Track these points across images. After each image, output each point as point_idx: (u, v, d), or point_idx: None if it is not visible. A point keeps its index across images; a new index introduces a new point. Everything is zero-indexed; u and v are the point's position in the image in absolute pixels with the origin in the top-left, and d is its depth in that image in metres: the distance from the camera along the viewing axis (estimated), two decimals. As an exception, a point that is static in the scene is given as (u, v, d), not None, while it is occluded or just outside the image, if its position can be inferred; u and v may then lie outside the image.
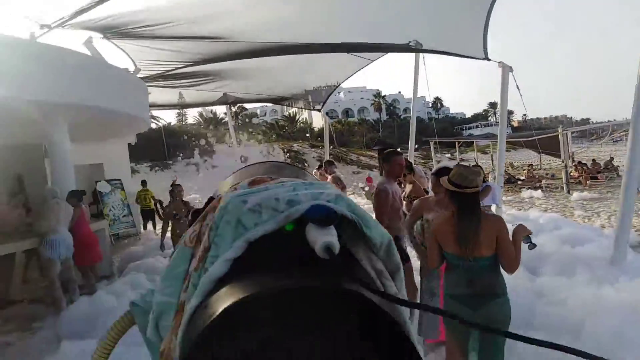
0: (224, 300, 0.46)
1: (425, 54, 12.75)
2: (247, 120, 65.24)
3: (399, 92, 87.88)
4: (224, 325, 0.43)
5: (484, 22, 7.15)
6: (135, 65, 8.74)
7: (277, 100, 15.63)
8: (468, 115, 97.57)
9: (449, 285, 2.72)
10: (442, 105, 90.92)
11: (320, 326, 0.44)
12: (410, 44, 9.97)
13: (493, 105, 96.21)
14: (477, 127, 75.51)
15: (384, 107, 75.47)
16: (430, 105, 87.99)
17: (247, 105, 60.55)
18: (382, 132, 62.39)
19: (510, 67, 8.31)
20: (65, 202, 6.48)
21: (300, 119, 75.56)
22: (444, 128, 62.64)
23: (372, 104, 73.75)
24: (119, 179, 12.26)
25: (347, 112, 77.95)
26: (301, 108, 16.68)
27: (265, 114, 79.17)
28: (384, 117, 75.17)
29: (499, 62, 8.38)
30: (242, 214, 0.60)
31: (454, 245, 2.62)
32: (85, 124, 7.61)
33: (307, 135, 47.55)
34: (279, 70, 12.40)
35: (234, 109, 62.18)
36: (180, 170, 24.66)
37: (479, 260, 2.57)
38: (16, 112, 6.36)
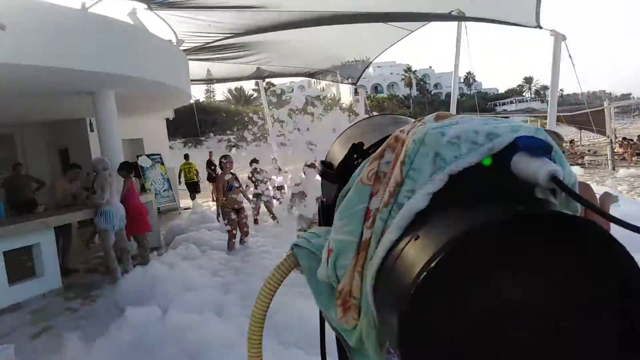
0: (441, 232, 0.44)
1: (467, 25, 12.34)
2: (275, 96, 65.07)
3: (430, 67, 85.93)
4: (450, 258, 0.40)
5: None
6: (176, 36, 8.69)
7: (312, 74, 15.42)
8: (501, 90, 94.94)
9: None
10: (474, 80, 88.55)
11: (555, 259, 0.41)
12: (452, 12, 9.60)
13: (528, 80, 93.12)
14: (511, 102, 73.35)
15: (414, 82, 74.03)
16: (462, 80, 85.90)
17: (275, 82, 60.51)
18: (413, 108, 61.39)
19: (564, 36, 7.86)
20: (116, 173, 6.56)
21: (329, 95, 75.05)
22: (477, 104, 61.07)
23: (402, 79, 72.41)
24: (159, 154, 12.43)
25: (376, 88, 76.86)
26: (336, 81, 16.40)
27: (293, 90, 78.89)
28: (414, 92, 73.84)
29: (550, 30, 7.94)
30: (440, 146, 0.56)
31: None
32: (131, 97, 7.66)
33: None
34: (314, 42, 12.18)
35: (263, 85, 62.30)
36: (212, 146, 24.87)
37: None
38: (65, 84, 6.44)
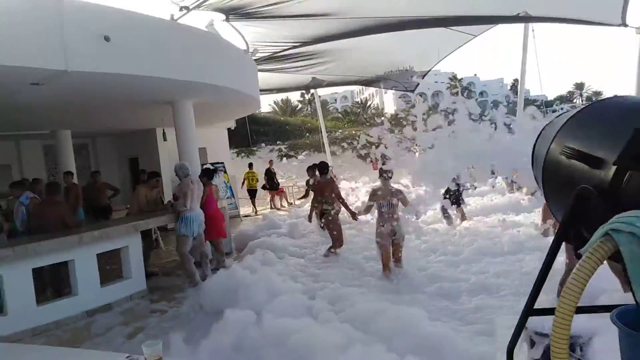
0: None
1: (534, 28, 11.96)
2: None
3: (475, 75, 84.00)
4: None
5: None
6: (247, 46, 8.90)
7: (368, 82, 15.38)
8: (550, 97, 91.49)
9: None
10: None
11: None
12: (519, 14, 9.32)
13: (579, 85, 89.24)
14: (561, 109, 70.49)
15: (459, 90, 72.56)
16: (510, 87, 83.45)
17: (320, 92, 61.09)
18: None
19: (652, 34, 7.47)
20: (197, 180, 6.70)
21: (372, 104, 74.82)
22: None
23: (447, 88, 71.18)
24: (222, 162, 12.73)
25: (420, 97, 75.90)
26: (394, 89, 16.26)
27: (336, 100, 79.16)
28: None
29: (637, 28, 7.56)
30: None
31: None
32: (207, 106, 7.87)
33: (382, 119, 47.06)
34: (372, 49, 12.12)
35: (307, 97, 62.95)
36: (264, 156, 25.29)
37: None
38: (149, 94, 6.68)
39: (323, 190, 6.94)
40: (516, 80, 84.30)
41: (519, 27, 12.05)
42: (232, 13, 7.10)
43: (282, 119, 33.40)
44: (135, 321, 5.24)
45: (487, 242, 6.33)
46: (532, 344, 1.98)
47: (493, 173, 5.50)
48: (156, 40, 5.59)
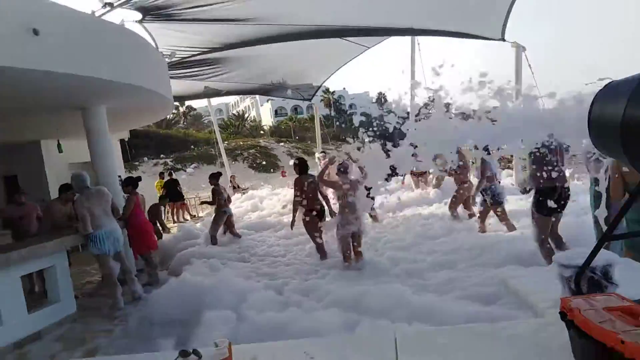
0: None
1: (418, 42, 13.23)
2: (195, 119, 64.00)
3: (344, 89, 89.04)
4: None
5: (510, 2, 7.63)
6: (157, 48, 8.49)
7: (266, 91, 15.56)
8: (409, 108, 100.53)
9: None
10: (385, 100, 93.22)
11: None
12: (413, 27, 10.32)
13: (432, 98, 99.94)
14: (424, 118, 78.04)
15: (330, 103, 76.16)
16: (374, 100, 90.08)
17: (194, 105, 59.59)
18: (334, 128, 63.02)
19: (524, 47, 8.89)
20: (97, 190, 5.84)
21: (249, 117, 74.82)
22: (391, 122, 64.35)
23: (321, 100, 74.27)
24: (119, 176, 11.77)
25: (295, 109, 77.96)
26: (289, 98, 16.64)
27: (209, 114, 77.51)
28: (332, 113, 75.90)
29: (512, 43, 8.94)
30: None
31: None
32: (119, 110, 7.31)
33: (262, 132, 47.45)
34: (269, 58, 12.38)
35: (182, 109, 60.65)
36: (148, 171, 23.81)
37: None
38: (58, 96, 6.01)
39: (314, 189, 6.52)
40: (380, 93, 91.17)
41: (399, 43, 13.31)
42: (153, 13, 6.77)
43: (161, 131, 31.80)
44: (80, 345, 4.71)
45: (420, 229, 6.95)
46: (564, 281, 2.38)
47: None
48: (78, 35, 5.09)
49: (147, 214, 7.80)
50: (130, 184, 6.55)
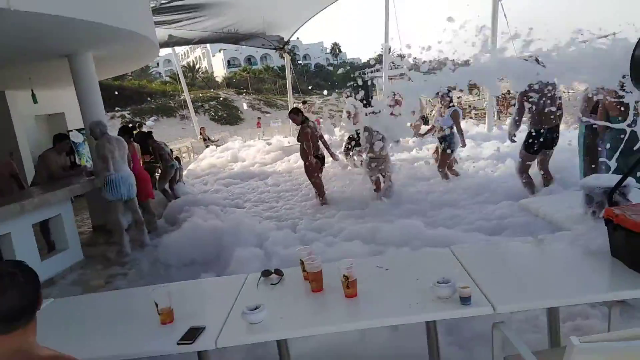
0: None
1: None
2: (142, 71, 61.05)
3: (297, 38, 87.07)
4: None
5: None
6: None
7: (235, 39, 15.17)
8: (363, 60, 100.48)
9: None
10: (340, 51, 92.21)
11: None
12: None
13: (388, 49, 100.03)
14: (377, 70, 78.24)
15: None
16: (329, 51, 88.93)
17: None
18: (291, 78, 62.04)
19: (501, -6, 9.20)
20: (116, 138, 6.06)
21: (200, 68, 72.11)
22: (346, 73, 64.31)
23: (275, 51, 72.69)
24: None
25: (249, 60, 75.86)
26: (263, 47, 16.30)
27: (158, 64, 74.08)
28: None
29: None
30: None
31: None
32: (104, 57, 7.05)
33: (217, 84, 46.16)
34: (243, 6, 12.09)
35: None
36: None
37: None
38: (44, 42, 5.75)
39: (317, 136, 6.67)
40: (335, 44, 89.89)
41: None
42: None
43: (115, 83, 30.30)
44: (99, 288, 4.85)
45: (409, 172, 7.37)
46: (589, 199, 2.81)
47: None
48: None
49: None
50: (127, 133, 6.49)
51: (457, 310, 1.95)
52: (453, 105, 6.64)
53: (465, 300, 1.96)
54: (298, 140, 6.64)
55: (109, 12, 5.55)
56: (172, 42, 14.73)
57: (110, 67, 8.30)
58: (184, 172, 10.92)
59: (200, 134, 15.94)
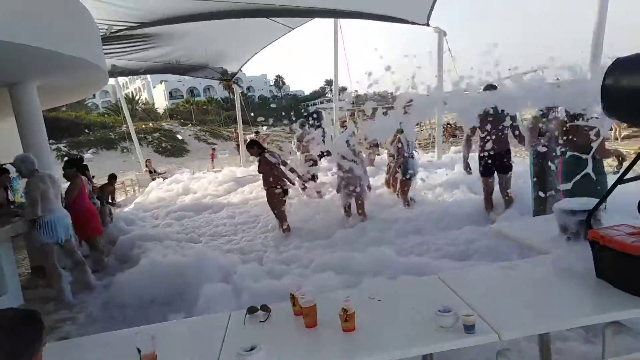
0: None
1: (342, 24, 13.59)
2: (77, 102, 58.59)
3: (241, 70, 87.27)
4: None
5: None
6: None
7: (182, 70, 14.92)
8: (307, 92, 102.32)
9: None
10: (284, 84, 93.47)
11: None
12: (340, 9, 10.63)
13: (329, 82, 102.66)
14: (321, 102, 79.76)
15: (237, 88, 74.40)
16: (273, 83, 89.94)
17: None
18: (232, 112, 61.93)
19: (445, 32, 9.70)
20: (48, 174, 5.41)
21: (140, 99, 70.34)
22: (290, 105, 65.14)
23: (220, 83, 72.37)
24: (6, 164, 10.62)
25: (192, 91, 75.06)
26: (209, 78, 16.13)
27: (94, 95, 71.55)
28: (230, 95, 74.31)
29: (434, 28, 9.70)
30: None
31: None
32: (49, 87, 6.68)
33: (160, 115, 45.05)
34: (185, 37, 11.96)
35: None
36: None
37: None
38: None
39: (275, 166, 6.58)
40: (279, 76, 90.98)
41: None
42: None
43: (51, 114, 28.71)
44: (48, 333, 4.40)
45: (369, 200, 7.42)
46: (563, 227, 2.89)
47: None
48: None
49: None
50: (74, 166, 6.08)
51: (462, 339, 1.91)
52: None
53: (469, 329, 1.93)
54: (259, 172, 6.53)
55: (60, 39, 5.28)
56: (116, 72, 14.27)
57: (53, 97, 7.85)
58: (130, 207, 10.44)
59: (146, 166, 15.36)
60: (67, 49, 5.33)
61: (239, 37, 12.83)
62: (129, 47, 10.66)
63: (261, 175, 6.51)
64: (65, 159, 6.14)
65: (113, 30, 8.71)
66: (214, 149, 20.91)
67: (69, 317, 4.84)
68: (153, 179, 14.01)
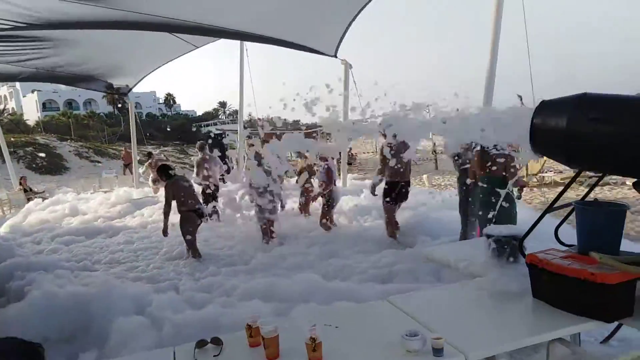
0: None
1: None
2: None
3: (126, 86, 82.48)
4: None
5: (348, 23, 8.71)
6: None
7: (70, 80, 13.62)
8: (199, 112, 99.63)
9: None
10: (174, 102, 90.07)
11: None
12: (251, 32, 10.64)
13: (223, 104, 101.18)
14: (214, 124, 78.19)
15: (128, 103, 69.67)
16: (162, 101, 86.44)
17: None
18: (122, 126, 58.04)
19: (350, 65, 10.16)
20: None
21: (6, 109, 63.07)
22: (182, 124, 62.83)
23: (103, 97, 67.21)
24: None
25: (70, 104, 68.99)
26: (100, 91, 14.91)
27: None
28: (115, 111, 69.52)
29: (342, 60, 10.12)
30: None
31: None
32: None
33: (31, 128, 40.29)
34: (84, 45, 11.08)
35: None
36: None
37: None
38: None
39: (191, 190, 6.43)
40: (169, 94, 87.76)
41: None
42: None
43: None
44: None
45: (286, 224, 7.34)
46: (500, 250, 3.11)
47: None
48: None
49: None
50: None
51: (430, 363, 1.95)
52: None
53: (438, 352, 1.97)
54: (166, 197, 6.10)
55: None
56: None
57: None
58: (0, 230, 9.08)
59: (20, 184, 13.56)
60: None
61: (139, 50, 12.12)
62: (11, 49, 9.46)
63: (167, 198, 6.10)
64: None
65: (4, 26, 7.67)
66: (127, 165, 19.03)
67: None
68: (29, 199, 12.40)
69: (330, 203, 6.95)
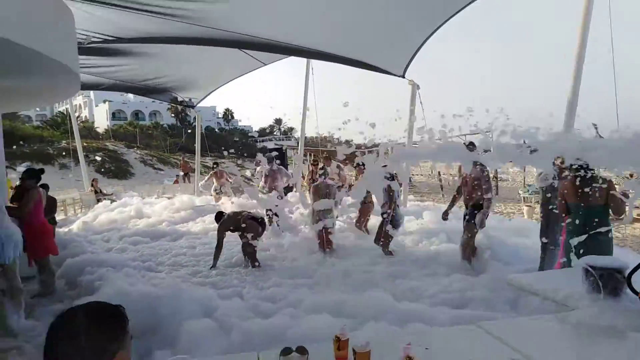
0: None
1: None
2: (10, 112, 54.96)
3: (190, 99, 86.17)
4: None
5: (419, 44, 8.62)
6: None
7: (145, 91, 14.34)
8: (255, 128, 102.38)
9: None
10: (232, 117, 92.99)
11: None
12: (322, 50, 10.75)
13: (278, 121, 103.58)
14: (270, 140, 79.84)
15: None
16: (221, 116, 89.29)
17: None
18: (183, 138, 60.51)
19: (418, 85, 10.03)
20: None
21: (79, 117, 67.29)
22: (239, 139, 64.71)
23: (168, 109, 70.58)
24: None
25: (137, 115, 72.78)
26: (171, 103, 15.59)
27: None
28: (177, 123, 72.68)
29: (409, 80, 10.02)
30: None
31: None
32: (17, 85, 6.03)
33: (101, 135, 42.93)
34: (160, 58, 11.63)
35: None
36: None
37: None
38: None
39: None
40: (228, 109, 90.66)
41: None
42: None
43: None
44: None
45: (348, 242, 7.26)
46: (586, 273, 2.87)
47: None
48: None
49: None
50: (33, 177, 5.48)
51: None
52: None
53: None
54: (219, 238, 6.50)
55: (29, 32, 4.64)
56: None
57: (15, 100, 7.16)
58: (74, 227, 9.55)
59: (92, 186, 14.33)
60: (37, 44, 4.71)
61: (210, 65, 12.60)
62: (98, 61, 10.12)
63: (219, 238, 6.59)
64: (25, 168, 5.53)
65: (90, 42, 8.22)
66: (178, 176, 20.21)
67: (13, 346, 4.20)
68: (99, 200, 13.04)
69: (394, 224, 6.64)
